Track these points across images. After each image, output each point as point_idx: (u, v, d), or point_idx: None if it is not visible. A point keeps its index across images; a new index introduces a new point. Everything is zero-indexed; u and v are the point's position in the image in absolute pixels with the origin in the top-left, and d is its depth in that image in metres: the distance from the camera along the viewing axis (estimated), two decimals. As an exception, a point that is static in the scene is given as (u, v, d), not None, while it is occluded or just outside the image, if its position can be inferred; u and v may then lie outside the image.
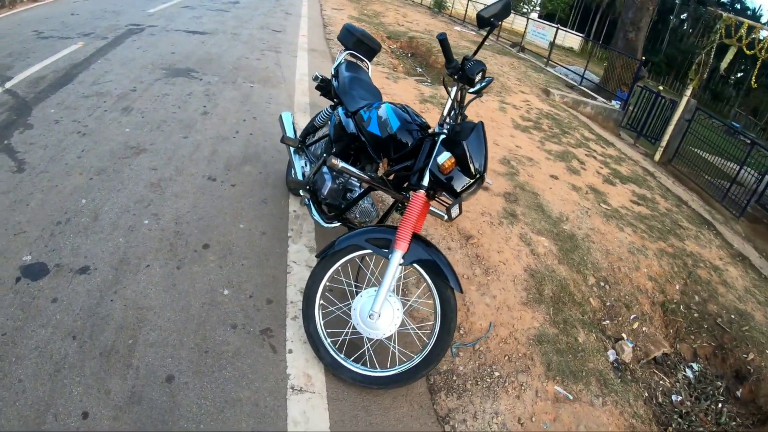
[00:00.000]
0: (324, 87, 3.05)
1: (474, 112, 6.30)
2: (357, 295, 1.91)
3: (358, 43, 2.93)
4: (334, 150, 2.52)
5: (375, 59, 8.08)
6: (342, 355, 1.94)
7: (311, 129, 3.02)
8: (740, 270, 4.39)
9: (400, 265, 1.79)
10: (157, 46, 5.77)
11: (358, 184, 2.38)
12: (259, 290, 2.28)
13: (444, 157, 1.72)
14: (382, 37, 10.94)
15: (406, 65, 9.77)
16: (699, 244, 4.56)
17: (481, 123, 1.81)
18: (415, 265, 1.82)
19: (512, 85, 8.56)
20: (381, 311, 1.80)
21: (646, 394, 3.09)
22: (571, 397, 2.52)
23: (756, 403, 3.21)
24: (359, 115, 2.28)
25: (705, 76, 6.55)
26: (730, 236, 5.01)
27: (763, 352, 3.38)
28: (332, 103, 2.88)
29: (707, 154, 7.21)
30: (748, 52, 5.90)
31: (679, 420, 3.05)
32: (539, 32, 13.05)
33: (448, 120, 1.86)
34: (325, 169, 2.42)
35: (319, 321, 1.94)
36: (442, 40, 1.74)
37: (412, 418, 1.93)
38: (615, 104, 9.12)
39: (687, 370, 3.42)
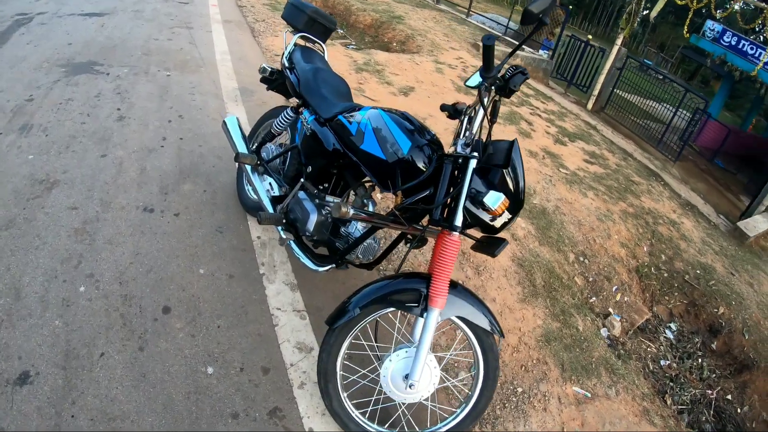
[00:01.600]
0: (272, 80, 2.55)
1: (413, 76, 5.97)
2: (384, 359, 1.61)
3: (311, 22, 2.43)
4: (309, 169, 2.10)
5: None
6: (375, 425, 1.67)
7: (268, 137, 2.53)
8: (692, 221, 4.61)
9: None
10: (50, 38, 4.73)
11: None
12: (248, 359, 1.91)
13: (497, 201, 1.38)
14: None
15: (329, 28, 9.08)
16: (653, 198, 4.71)
17: (516, 141, 1.52)
18: (453, 318, 1.55)
19: (441, 41, 8.23)
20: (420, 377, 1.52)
21: (641, 365, 3.15)
22: (590, 395, 2.48)
23: (731, 354, 3.40)
24: (339, 123, 1.86)
25: (635, 25, 6.66)
26: (676, 186, 5.24)
27: (730, 304, 3.57)
28: (288, 103, 2.44)
29: (636, 98, 7.48)
30: (679, 2, 6.02)
31: (671, 384, 3.16)
32: (457, -19, 12.67)
33: (474, 138, 1.52)
34: (302, 194, 2.01)
35: (342, 396, 1.64)
36: (488, 46, 1.35)
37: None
38: (543, 54, 9.15)
39: (666, 331, 3.55)
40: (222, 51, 5.25)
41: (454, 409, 1.73)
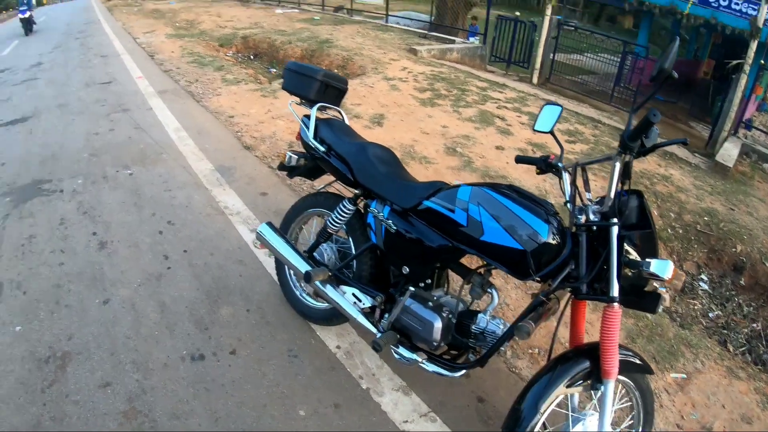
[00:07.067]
0: (297, 168, 2.27)
1: (374, 101, 5.84)
2: None
3: (323, 89, 2.16)
4: (406, 271, 1.85)
5: (230, 76, 7.04)
6: None
7: (322, 237, 2.19)
8: (677, 169, 4.78)
9: None
10: (-27, 165, 4.24)
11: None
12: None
13: (666, 269, 1.31)
14: (215, 47, 9.68)
15: (258, 70, 8.77)
16: (637, 160, 4.84)
17: (642, 194, 1.48)
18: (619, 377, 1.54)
19: (378, 55, 8.16)
20: None
21: (701, 327, 3.20)
22: (685, 376, 2.51)
23: (759, 284, 3.54)
24: (433, 213, 1.68)
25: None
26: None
27: (743, 239, 3.72)
28: (340, 191, 2.18)
29: (574, 57, 7.74)
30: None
31: (725, 331, 3.25)
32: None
33: (610, 204, 1.43)
34: (409, 301, 1.79)
35: None
36: (651, 122, 1.32)
37: None
38: (474, 41, 9.30)
39: (701, 284, 3.64)
40: (175, 128, 4.94)
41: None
